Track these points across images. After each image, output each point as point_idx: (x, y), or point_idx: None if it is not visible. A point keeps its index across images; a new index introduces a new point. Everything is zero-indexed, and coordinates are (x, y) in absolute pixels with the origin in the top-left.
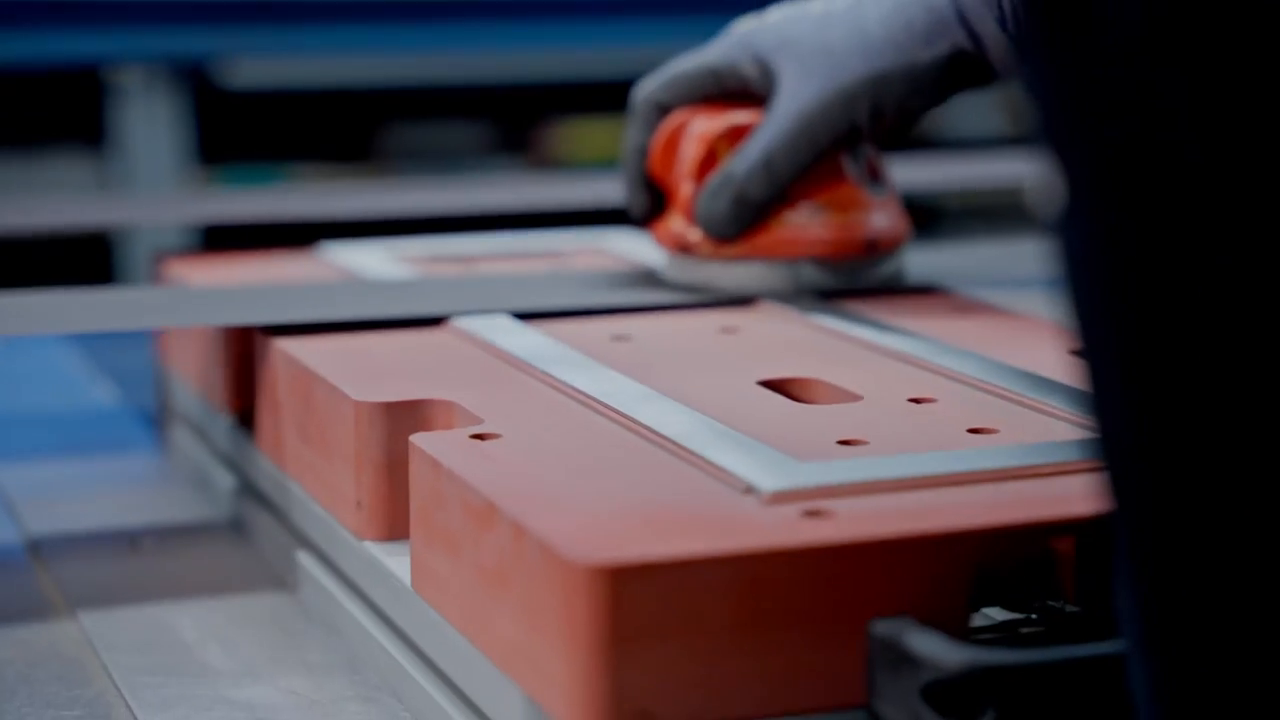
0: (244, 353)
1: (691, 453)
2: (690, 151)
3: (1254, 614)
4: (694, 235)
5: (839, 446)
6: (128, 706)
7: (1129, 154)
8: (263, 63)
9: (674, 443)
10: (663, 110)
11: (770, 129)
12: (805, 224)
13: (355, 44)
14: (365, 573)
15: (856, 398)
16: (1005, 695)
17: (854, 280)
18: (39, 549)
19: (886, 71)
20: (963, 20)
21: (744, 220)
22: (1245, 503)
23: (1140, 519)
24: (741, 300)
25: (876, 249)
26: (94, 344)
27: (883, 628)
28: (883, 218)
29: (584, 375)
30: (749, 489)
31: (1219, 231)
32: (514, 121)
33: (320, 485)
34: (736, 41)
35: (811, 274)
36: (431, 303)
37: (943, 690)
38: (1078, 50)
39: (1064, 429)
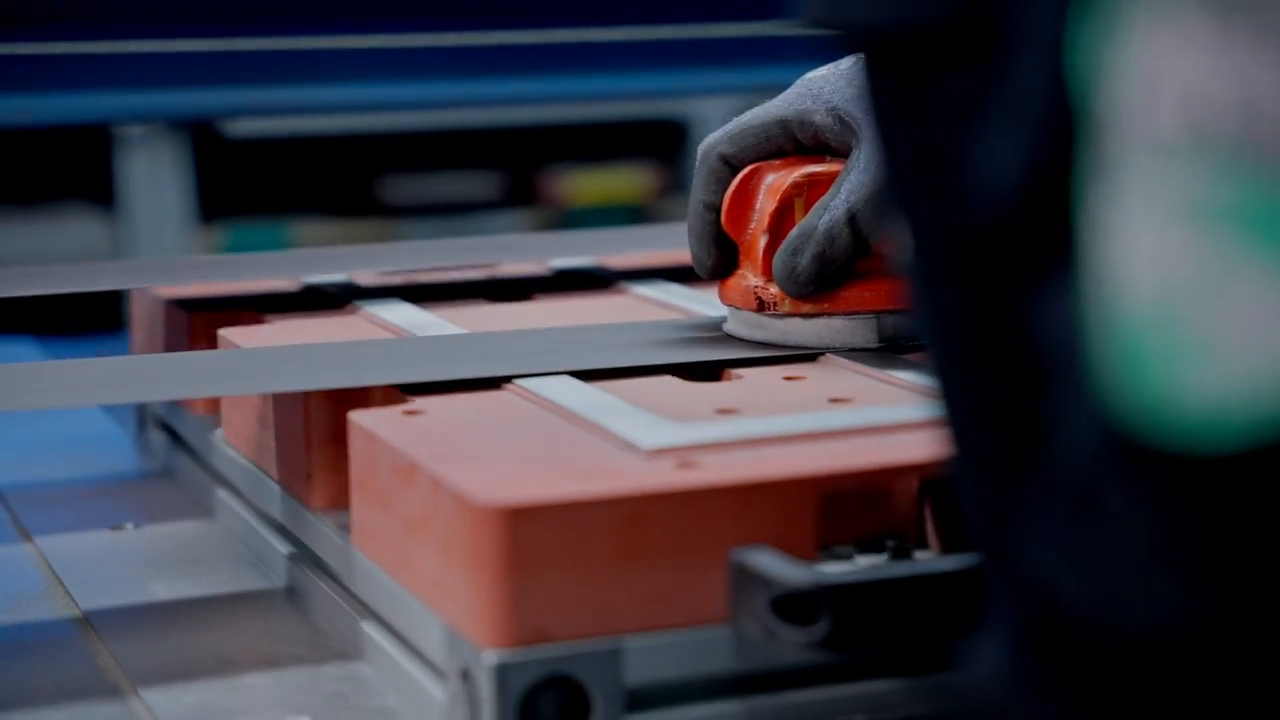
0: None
1: (587, 420)
2: (764, 205)
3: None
4: (771, 291)
5: (716, 414)
6: (90, 626)
7: (953, 213)
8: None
9: (573, 413)
10: (729, 164)
11: (853, 183)
12: (883, 277)
13: (361, 102)
14: (316, 536)
15: (738, 377)
16: (841, 606)
17: None
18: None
19: None
20: None
21: (826, 278)
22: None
23: (965, 462)
24: (810, 355)
25: None
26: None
27: (740, 555)
28: None
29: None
30: (632, 446)
31: (1006, 268)
32: (521, 170)
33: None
34: (806, 91)
35: (889, 326)
36: (494, 363)
37: (789, 604)
38: (913, 125)
39: (911, 397)
